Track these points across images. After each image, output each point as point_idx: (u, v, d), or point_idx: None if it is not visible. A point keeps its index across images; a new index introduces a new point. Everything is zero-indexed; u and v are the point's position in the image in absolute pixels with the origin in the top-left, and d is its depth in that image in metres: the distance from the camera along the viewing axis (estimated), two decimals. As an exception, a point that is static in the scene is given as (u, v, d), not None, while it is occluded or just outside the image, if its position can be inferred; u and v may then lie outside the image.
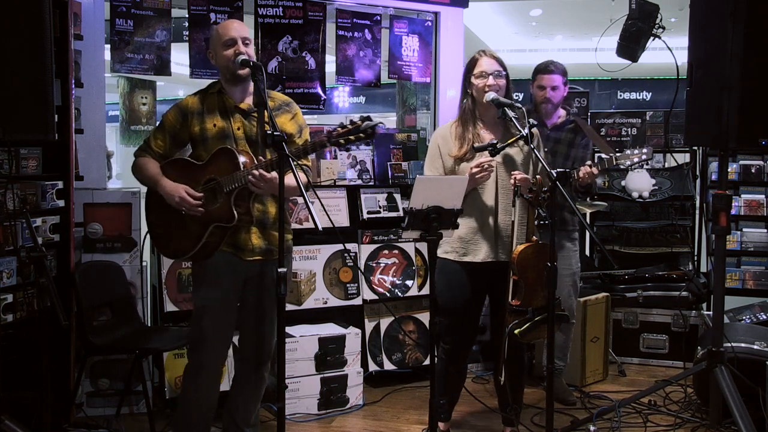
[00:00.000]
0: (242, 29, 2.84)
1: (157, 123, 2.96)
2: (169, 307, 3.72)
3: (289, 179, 2.54)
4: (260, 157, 2.76)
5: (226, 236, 2.80)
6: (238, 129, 2.85)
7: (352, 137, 2.54)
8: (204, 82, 3.03)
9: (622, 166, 3.44)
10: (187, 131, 2.86)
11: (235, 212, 2.75)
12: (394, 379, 4.19)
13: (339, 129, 2.56)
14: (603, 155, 3.46)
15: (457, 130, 3.13)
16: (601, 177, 4.86)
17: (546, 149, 3.79)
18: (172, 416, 3.11)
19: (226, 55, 2.79)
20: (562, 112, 3.92)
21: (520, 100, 3.28)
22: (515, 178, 2.97)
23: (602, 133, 5.12)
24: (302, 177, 2.68)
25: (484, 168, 2.94)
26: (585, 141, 3.84)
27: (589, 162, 3.54)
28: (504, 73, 3.07)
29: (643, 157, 3.38)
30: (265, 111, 2.54)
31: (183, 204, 2.76)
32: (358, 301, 4.15)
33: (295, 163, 2.49)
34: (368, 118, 2.55)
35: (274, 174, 2.66)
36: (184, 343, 3.34)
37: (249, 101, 2.89)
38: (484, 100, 3.03)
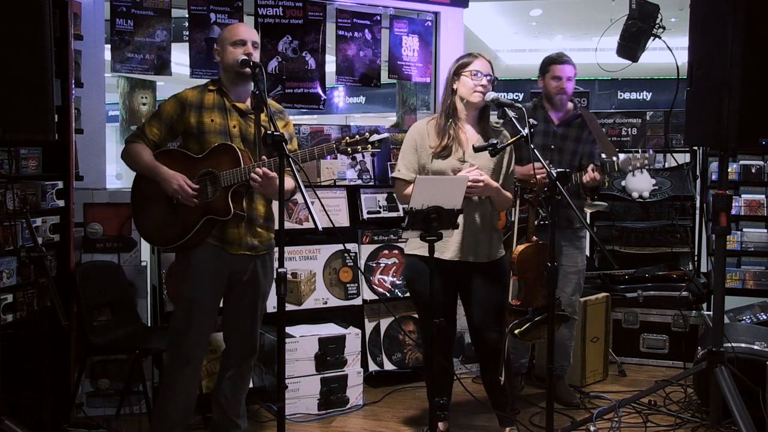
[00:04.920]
0: (252, 33, 2.94)
1: (154, 112, 3.02)
2: (170, 307, 3.71)
3: (287, 181, 2.64)
4: (263, 157, 2.84)
5: (214, 229, 2.87)
6: (234, 127, 2.92)
7: (359, 147, 2.73)
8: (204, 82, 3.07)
9: (625, 172, 3.43)
10: (182, 123, 2.91)
11: (231, 207, 2.82)
12: (394, 379, 4.19)
13: (348, 139, 2.73)
14: (605, 158, 3.45)
15: (439, 124, 3.13)
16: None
17: (552, 146, 3.79)
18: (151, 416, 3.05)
19: (233, 53, 2.86)
20: (570, 105, 3.86)
21: (519, 99, 3.28)
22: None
23: (603, 134, 5.11)
24: (291, 181, 2.80)
25: (479, 183, 2.96)
26: (592, 136, 3.78)
27: (591, 166, 3.52)
28: (494, 80, 3.09)
29: (645, 162, 3.38)
30: (265, 110, 2.64)
31: (180, 192, 2.81)
32: (358, 301, 4.15)
33: (297, 166, 2.56)
34: (376, 131, 2.76)
35: (275, 174, 2.76)
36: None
37: (247, 102, 2.96)
38: (485, 100, 3.03)
